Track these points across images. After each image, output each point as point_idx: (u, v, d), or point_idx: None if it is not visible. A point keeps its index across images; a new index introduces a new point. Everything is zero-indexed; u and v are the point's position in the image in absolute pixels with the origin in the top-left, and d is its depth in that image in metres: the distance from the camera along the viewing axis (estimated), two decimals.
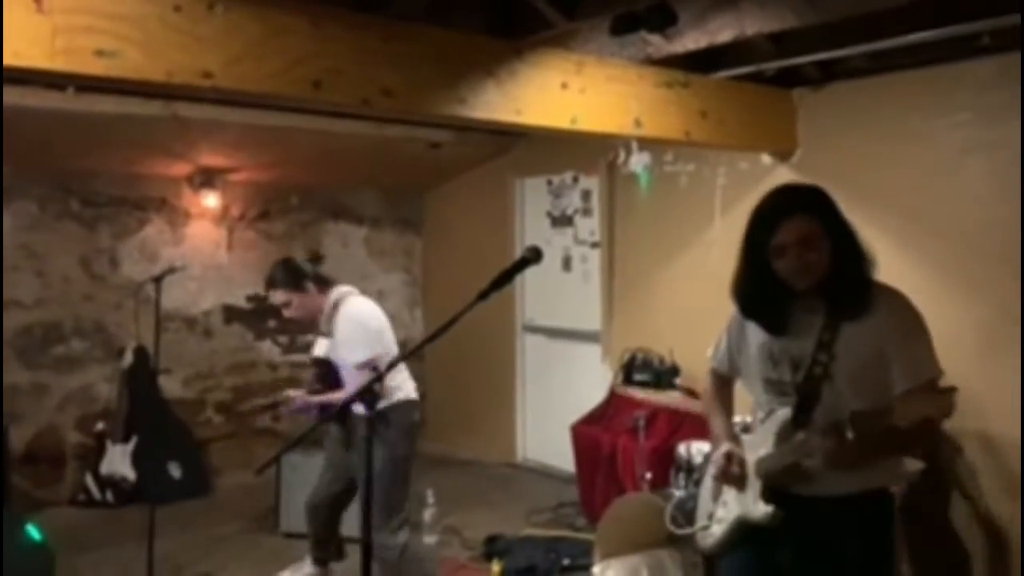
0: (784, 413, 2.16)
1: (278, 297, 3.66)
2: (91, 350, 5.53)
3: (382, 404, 3.41)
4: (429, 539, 4.52)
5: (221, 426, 6.00)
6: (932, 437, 2.18)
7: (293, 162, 5.71)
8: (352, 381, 3.57)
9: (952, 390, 1.91)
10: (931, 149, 4.05)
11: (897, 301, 2.10)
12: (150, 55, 2.52)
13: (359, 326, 3.56)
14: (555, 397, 5.94)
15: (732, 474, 2.22)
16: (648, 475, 4.12)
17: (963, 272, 3.96)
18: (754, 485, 2.19)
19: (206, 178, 5.67)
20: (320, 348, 3.87)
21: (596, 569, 3.81)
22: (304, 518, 3.99)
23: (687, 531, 2.69)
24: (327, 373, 3.81)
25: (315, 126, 4.90)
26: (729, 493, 2.29)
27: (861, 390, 2.03)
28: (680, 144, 4.47)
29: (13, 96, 3.98)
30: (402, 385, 3.63)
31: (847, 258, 2.05)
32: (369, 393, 2.19)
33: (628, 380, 5.06)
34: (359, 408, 3.53)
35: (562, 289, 5.92)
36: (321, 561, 4.01)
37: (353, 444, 3.71)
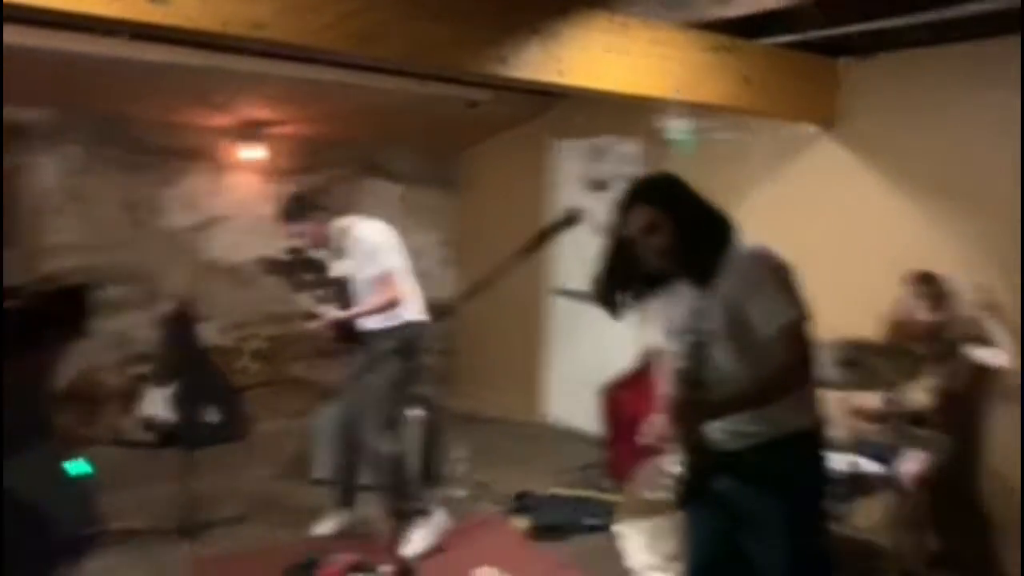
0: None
1: (292, 229, 3.94)
2: (132, 295, 5.65)
3: (394, 322, 3.82)
4: (460, 492, 4.61)
5: (257, 374, 6.13)
6: (795, 380, 2.26)
7: (334, 117, 5.75)
8: (368, 297, 3.84)
9: (804, 326, 2.15)
10: (977, 123, 3.99)
11: (750, 258, 2.24)
12: (204, 4, 2.55)
13: (372, 242, 3.87)
14: (585, 361, 5.97)
15: (652, 438, 2.43)
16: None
17: (1005, 249, 3.91)
18: (678, 451, 2.36)
19: (249, 130, 5.74)
20: (337, 269, 4.01)
21: (618, 528, 3.88)
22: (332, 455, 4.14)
23: (654, 495, 2.82)
24: (344, 293, 3.98)
25: (356, 81, 4.92)
26: (674, 459, 2.46)
27: (734, 348, 2.20)
28: (722, 111, 4.43)
29: (65, 41, 4.05)
30: (409, 307, 3.88)
31: (694, 236, 2.23)
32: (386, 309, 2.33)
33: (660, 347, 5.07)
34: (372, 324, 3.81)
35: (596, 253, 5.90)
36: (347, 500, 4.14)
37: (371, 355, 3.88)
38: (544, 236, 2.11)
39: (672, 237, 2.23)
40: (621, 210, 2.30)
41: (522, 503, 4.52)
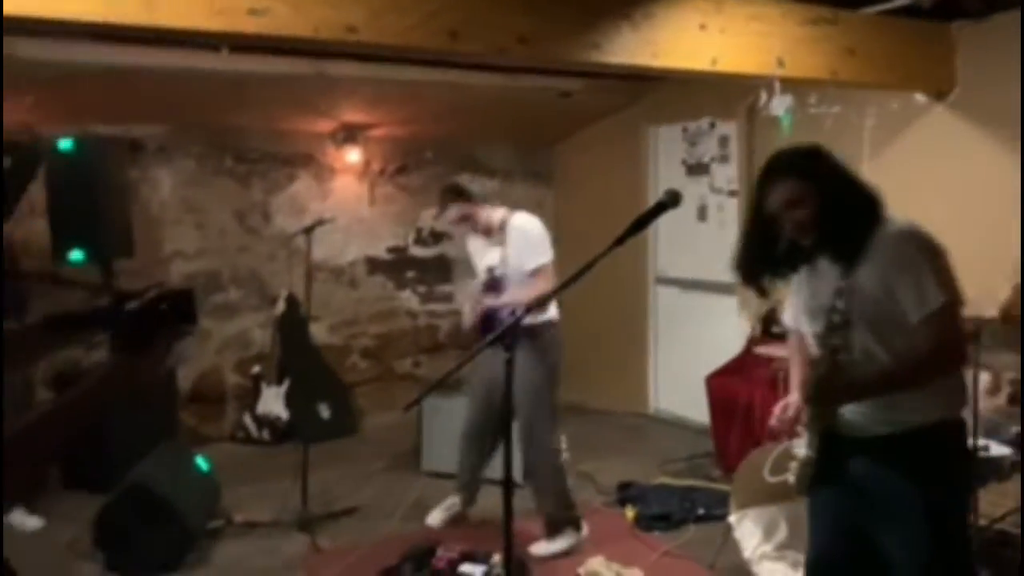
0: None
1: (454, 212, 3.86)
2: (247, 298, 5.90)
3: (545, 317, 3.75)
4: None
5: (366, 370, 6.30)
6: (941, 366, 2.13)
7: (427, 117, 5.84)
8: (523, 289, 3.73)
9: (956, 311, 2.05)
10: None
11: (900, 236, 2.11)
12: (297, 11, 2.64)
13: (534, 234, 3.82)
14: (688, 349, 5.88)
15: (785, 423, 2.35)
16: None
17: None
18: (804, 432, 2.28)
19: (348, 134, 5.89)
20: (491, 258, 3.93)
21: (732, 518, 3.79)
22: (460, 449, 4.16)
23: (777, 478, 2.73)
24: (494, 283, 3.92)
25: (448, 79, 4.98)
26: (798, 440, 2.39)
27: (881, 330, 2.09)
28: (826, 84, 4.26)
29: (172, 58, 4.25)
30: (551, 307, 3.84)
31: (840, 210, 2.12)
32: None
33: (767, 332, 4.94)
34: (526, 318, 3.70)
35: (697, 239, 5.81)
36: (468, 496, 4.17)
37: (519, 353, 3.77)
38: (641, 221, 2.06)
39: (817, 211, 2.11)
40: (762, 184, 2.20)
41: (628, 493, 4.49)
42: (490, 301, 3.88)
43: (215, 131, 5.68)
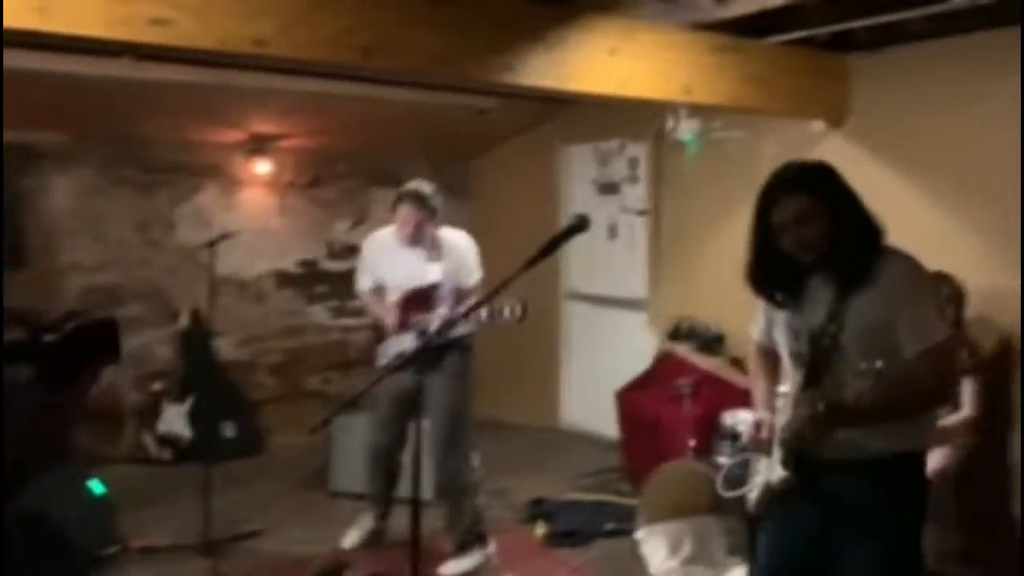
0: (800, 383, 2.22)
1: (410, 216, 3.78)
2: (148, 312, 5.69)
3: (458, 333, 3.71)
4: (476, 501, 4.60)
5: (273, 388, 6.15)
6: (936, 400, 2.19)
7: (342, 129, 5.77)
8: (456, 305, 3.73)
9: (955, 347, 1.96)
10: (989, 116, 3.95)
11: (903, 267, 2.12)
12: (203, 23, 2.57)
13: (472, 251, 3.88)
14: (599, 364, 5.96)
15: (759, 440, 2.29)
16: (692, 442, 4.13)
17: (1018, 238, 3.87)
18: (776, 452, 2.25)
19: (258, 145, 5.77)
20: (433, 273, 3.83)
21: (640, 534, 3.85)
22: (366, 469, 4.10)
23: (734, 494, 2.74)
24: (422, 296, 3.83)
25: (363, 93, 4.93)
26: (764, 459, 2.34)
27: (871, 357, 2.04)
28: (730, 111, 4.41)
29: (73, 65, 4.08)
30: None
31: (848, 232, 2.10)
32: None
33: (674, 347, 5.06)
34: (456, 331, 3.68)
35: (608, 257, 5.92)
36: (381, 515, 4.12)
37: (436, 370, 3.74)
38: (552, 244, 2.08)
39: (826, 229, 2.09)
40: (770, 197, 2.16)
41: (538, 509, 4.51)
42: (436, 322, 3.76)
43: (118, 140, 5.48)
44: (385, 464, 4.05)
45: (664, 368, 5.02)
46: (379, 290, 4.00)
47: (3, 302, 4.05)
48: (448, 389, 3.78)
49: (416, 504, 2.15)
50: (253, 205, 6.01)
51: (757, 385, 2.47)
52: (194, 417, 5.47)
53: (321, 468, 4.94)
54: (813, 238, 2.10)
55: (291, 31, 2.70)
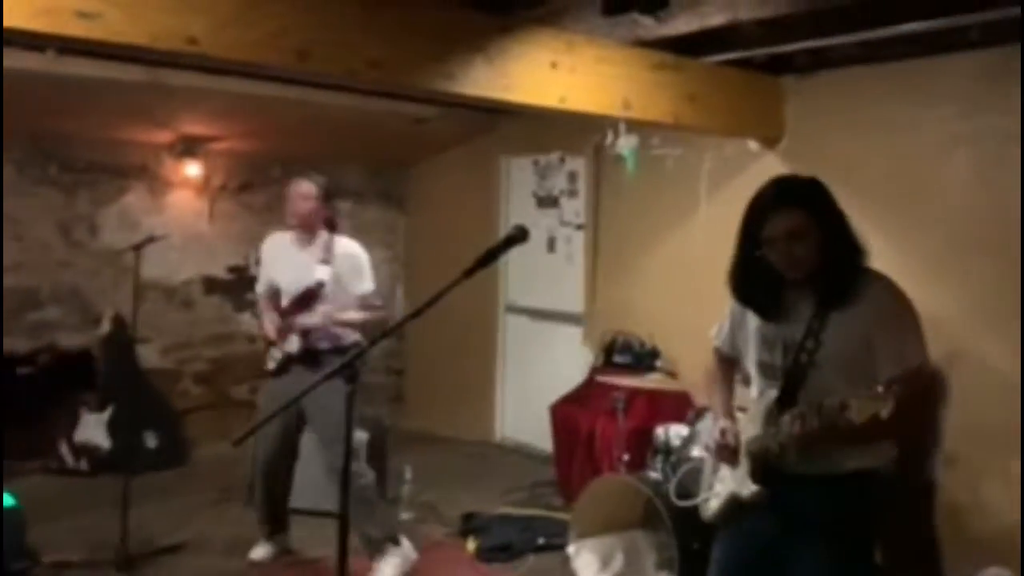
0: (772, 396, 2.21)
1: (305, 187, 3.81)
2: (67, 317, 5.48)
3: (345, 342, 3.77)
4: (406, 515, 4.53)
5: (199, 397, 5.97)
6: (912, 423, 2.21)
7: (276, 133, 5.65)
8: (354, 310, 3.77)
9: (933, 377, 1.96)
10: (917, 140, 4.07)
11: (886, 290, 2.14)
12: (133, 18, 2.47)
13: (364, 259, 3.84)
14: (535, 377, 5.95)
15: (725, 450, 2.29)
16: (626, 457, 4.14)
17: (947, 261, 3.99)
18: (744, 463, 2.25)
19: (188, 147, 5.61)
20: (322, 273, 3.77)
21: (571, 549, 3.84)
22: (258, 483, 4.01)
23: (689, 503, 2.72)
24: (309, 297, 3.78)
25: (299, 96, 4.84)
26: (726, 468, 2.34)
27: (847, 376, 2.07)
28: (668, 127, 4.45)
29: None
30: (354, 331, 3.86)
31: (837, 250, 2.11)
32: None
33: (608, 362, 5.07)
34: (324, 342, 3.76)
35: (546, 270, 5.92)
36: (276, 533, 4.04)
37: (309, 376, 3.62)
38: (489, 255, 2.05)
39: (816, 246, 2.09)
40: (761, 210, 2.15)
41: (471, 524, 4.46)
42: (318, 318, 3.75)
43: (38, 137, 5.27)
44: (278, 475, 3.96)
45: (599, 382, 5.03)
46: (274, 294, 3.95)
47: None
48: (332, 396, 3.68)
49: (344, 517, 2.10)
50: (182, 208, 5.84)
51: (715, 392, 2.47)
52: (114, 426, 5.26)
53: (246, 480, 4.79)
54: (802, 254, 2.10)
55: (225, 30, 2.61)
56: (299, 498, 4.18)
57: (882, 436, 2.13)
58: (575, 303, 5.69)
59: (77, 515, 4.39)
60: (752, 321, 2.28)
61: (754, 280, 2.20)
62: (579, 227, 5.70)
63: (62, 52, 3.89)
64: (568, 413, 4.96)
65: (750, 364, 2.31)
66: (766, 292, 2.21)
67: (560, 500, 4.80)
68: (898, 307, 2.12)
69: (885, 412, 1.87)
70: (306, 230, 3.84)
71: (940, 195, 4.00)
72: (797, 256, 2.10)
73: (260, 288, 4.06)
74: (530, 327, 6.12)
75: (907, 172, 4.11)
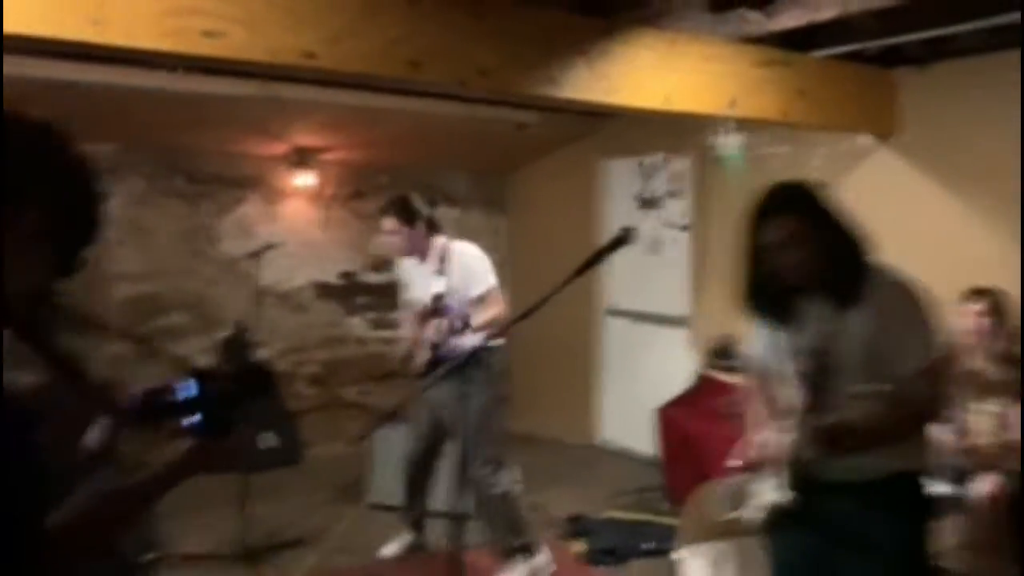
0: (800, 403, 2.17)
1: (388, 224, 3.82)
2: (192, 322, 5.76)
3: (493, 343, 3.58)
4: None
5: (313, 398, 6.18)
6: (928, 418, 2.19)
7: (384, 142, 5.81)
8: (479, 313, 3.73)
9: (947, 368, 2.05)
10: None
11: (896, 286, 2.11)
12: (254, 35, 2.60)
13: (478, 260, 3.84)
14: (637, 380, 5.90)
15: (765, 460, 2.27)
16: (736, 462, 4.06)
17: None
18: (783, 472, 2.22)
19: (301, 157, 5.83)
20: (437, 286, 3.84)
21: (679, 554, 3.78)
22: (400, 480, 4.10)
23: (734, 515, 2.68)
24: (438, 311, 3.84)
25: (405, 107, 4.97)
26: (770, 479, 2.30)
27: (869, 376, 2.05)
28: (777, 125, 4.36)
29: (123, 76, 4.16)
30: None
31: (837, 251, 2.09)
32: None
33: (716, 365, 4.99)
34: (465, 343, 3.68)
35: (649, 272, 5.86)
36: (418, 525, 4.13)
37: (464, 381, 3.61)
38: (597, 256, 2.07)
39: (814, 250, 2.09)
40: (758, 218, 2.15)
41: (577, 526, 4.46)
42: (447, 335, 3.78)
43: (166, 150, 5.58)
44: (419, 475, 4.06)
45: (707, 385, 4.95)
46: (411, 306, 4.04)
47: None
48: (476, 400, 3.73)
49: (460, 515, 2.14)
50: (295, 217, 6.07)
51: (755, 405, 2.45)
52: (242, 421, 5.49)
53: (359, 479, 4.94)
54: (799, 259, 2.09)
55: (339, 43, 2.72)
56: (439, 501, 4.23)
57: (904, 433, 2.10)
58: (679, 305, 5.61)
59: (201, 511, 4.58)
60: (776, 333, 2.25)
61: (764, 290, 2.19)
62: (684, 228, 5.62)
63: (187, 70, 4.10)
64: (676, 416, 4.90)
65: (781, 375, 2.27)
66: (777, 301, 2.19)
67: (667, 505, 4.74)
68: (911, 304, 2.09)
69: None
70: (417, 255, 3.88)
71: None
72: (795, 262, 2.09)
73: (401, 302, 4.17)
74: (632, 330, 6.07)
75: None
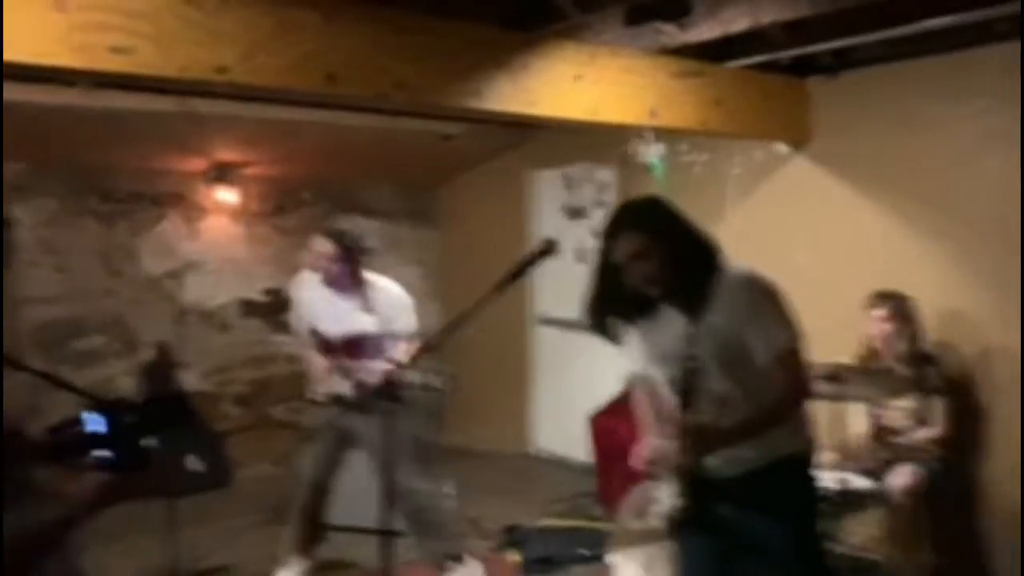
0: (676, 409, 2.25)
1: (324, 247, 3.71)
2: (110, 344, 5.58)
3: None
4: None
5: (239, 418, 6.05)
6: (796, 401, 2.28)
7: (306, 156, 5.74)
8: (399, 350, 3.70)
9: (796, 351, 2.16)
10: (948, 137, 4.02)
11: (743, 280, 2.21)
12: (164, 50, 2.54)
13: (405, 299, 3.81)
14: (570, 388, 5.94)
15: (656, 468, 2.33)
16: None
17: (980, 259, 3.94)
18: (671, 479, 2.28)
19: (221, 173, 5.71)
20: (365, 323, 3.79)
21: (613, 559, 3.82)
22: (304, 505, 4.03)
23: (638, 524, 2.75)
24: (358, 345, 3.81)
25: (328, 119, 4.91)
26: (670, 485, 2.36)
27: (731, 374, 2.16)
28: (695, 134, 4.45)
29: (32, 93, 4.01)
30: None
31: (684, 261, 2.20)
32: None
33: None
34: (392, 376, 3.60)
35: (578, 281, 5.87)
36: (307, 551, 4.07)
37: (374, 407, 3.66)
38: (522, 267, 2.09)
39: (661, 263, 2.19)
40: (608, 236, 2.25)
41: (512, 536, 4.46)
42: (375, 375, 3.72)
43: (79, 169, 5.40)
44: (320, 492, 4.02)
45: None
46: (315, 336, 3.92)
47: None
48: (398, 424, 3.70)
49: (388, 533, 2.13)
50: (217, 234, 5.94)
51: (644, 414, 2.52)
52: (158, 450, 5.34)
53: (290, 500, 4.83)
54: (651, 272, 2.20)
55: (253, 58, 2.67)
56: (341, 516, 4.21)
57: (769, 423, 2.18)
58: None
59: (126, 538, 4.45)
60: (647, 344, 2.33)
61: (621, 303, 2.29)
62: None
63: (96, 86, 3.98)
64: (608, 423, 4.95)
65: (658, 384, 2.36)
66: (638, 311, 2.29)
67: (601, 511, 4.78)
68: (757, 296, 2.19)
69: None
70: (330, 285, 3.79)
71: (973, 192, 3.94)
72: (646, 275, 2.20)
73: (298, 328, 4.02)
74: (564, 338, 6.11)
75: (938, 170, 4.06)
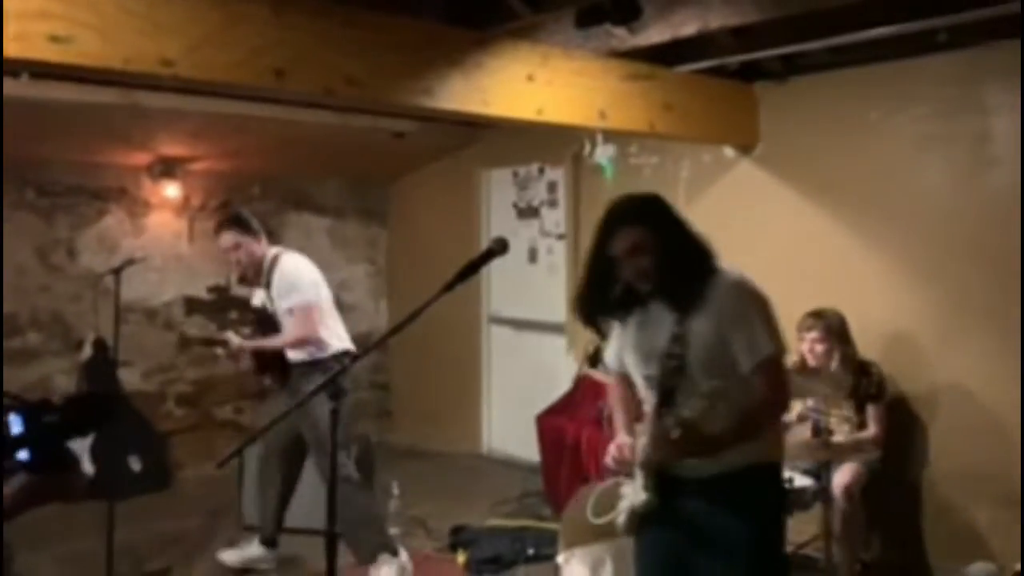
0: (653, 405, 2.27)
1: (227, 239, 3.85)
2: (48, 342, 5.43)
3: (323, 354, 3.79)
4: (394, 530, 4.50)
5: (182, 419, 5.93)
6: (775, 410, 2.31)
7: (254, 151, 5.64)
8: (287, 328, 3.83)
9: (780, 361, 2.18)
10: (889, 142, 4.13)
11: (734, 285, 2.23)
12: (107, 41, 2.47)
13: (296, 274, 3.86)
14: (520, 388, 5.95)
15: (622, 464, 2.34)
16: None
17: (920, 262, 4.05)
18: (639, 474, 2.28)
19: (166, 168, 5.59)
20: (258, 298, 4.01)
21: (560, 558, 3.83)
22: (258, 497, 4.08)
23: (602, 520, 2.74)
24: (265, 323, 3.99)
25: (277, 115, 4.83)
26: (629, 482, 2.37)
27: (713, 376, 2.14)
28: (644, 136, 4.49)
29: None
30: (340, 336, 3.91)
31: (680, 259, 2.21)
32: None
33: (593, 370, 5.08)
34: (297, 355, 3.84)
35: (528, 280, 5.93)
36: (270, 543, 4.08)
37: (297, 393, 3.77)
38: (469, 269, 2.08)
39: (657, 259, 2.20)
40: (606, 229, 2.25)
41: (460, 537, 4.45)
42: (243, 342, 4.00)
43: (15, 162, 5.22)
44: (272, 491, 4.06)
45: (584, 390, 5.04)
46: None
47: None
48: (315, 409, 3.69)
49: (332, 534, 2.11)
50: (161, 230, 5.81)
51: (616, 411, 2.53)
52: (97, 451, 5.19)
53: (233, 501, 4.76)
54: (647, 267, 2.20)
55: (199, 51, 2.62)
56: (295, 518, 4.16)
57: (750, 430, 2.18)
58: (558, 313, 5.70)
59: (62, 542, 4.34)
60: (628, 338, 2.34)
61: (610, 297, 2.29)
62: (560, 237, 5.72)
63: (36, 76, 3.87)
64: (554, 423, 4.96)
65: (636, 379, 2.37)
66: (627, 306, 2.30)
67: (549, 510, 4.79)
68: (745, 302, 2.21)
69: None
70: (252, 267, 3.92)
71: (915, 196, 4.06)
72: (642, 269, 2.21)
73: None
74: (514, 337, 6.13)
75: (882, 174, 4.16)
